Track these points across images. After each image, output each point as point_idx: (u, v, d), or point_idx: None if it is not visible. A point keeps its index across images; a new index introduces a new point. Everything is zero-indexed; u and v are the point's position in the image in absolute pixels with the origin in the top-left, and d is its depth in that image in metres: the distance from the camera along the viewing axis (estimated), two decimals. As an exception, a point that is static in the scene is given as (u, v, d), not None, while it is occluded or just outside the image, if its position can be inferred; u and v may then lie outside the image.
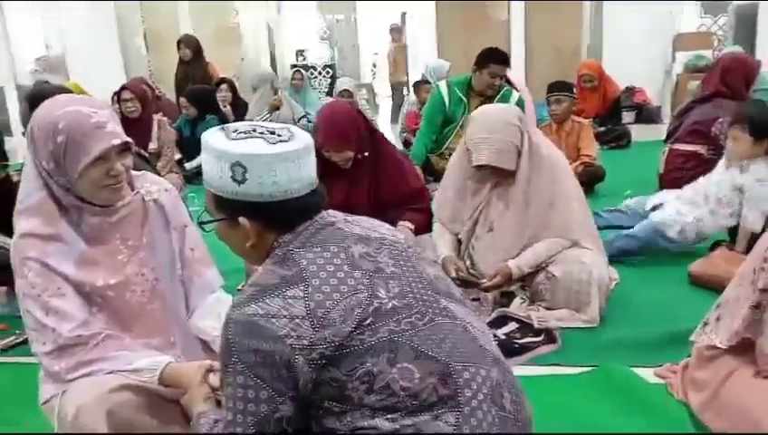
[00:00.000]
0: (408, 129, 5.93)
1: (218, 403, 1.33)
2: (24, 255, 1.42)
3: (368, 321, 1.09)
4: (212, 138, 1.18)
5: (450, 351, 1.13)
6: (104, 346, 1.44)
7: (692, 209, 2.91)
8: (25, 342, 2.45)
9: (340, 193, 2.48)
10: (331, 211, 1.25)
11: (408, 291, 1.16)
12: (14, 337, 2.52)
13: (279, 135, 1.17)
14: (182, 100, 5.61)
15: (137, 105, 4.71)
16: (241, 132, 1.17)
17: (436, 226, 2.60)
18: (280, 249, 1.17)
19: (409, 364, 1.09)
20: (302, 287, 1.09)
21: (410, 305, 1.14)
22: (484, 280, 2.34)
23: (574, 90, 4.35)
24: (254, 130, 1.18)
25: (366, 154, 2.52)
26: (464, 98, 4.22)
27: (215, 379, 1.38)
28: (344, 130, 2.44)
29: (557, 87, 4.20)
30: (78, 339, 1.42)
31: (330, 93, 8.48)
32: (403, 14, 9.55)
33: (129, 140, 1.46)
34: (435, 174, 4.49)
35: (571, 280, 2.28)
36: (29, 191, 1.47)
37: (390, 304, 1.12)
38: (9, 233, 2.65)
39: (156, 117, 4.92)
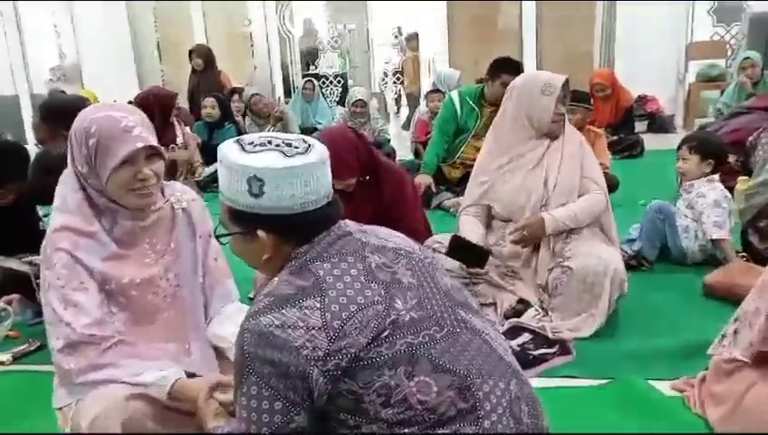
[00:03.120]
0: (418, 139, 5.92)
1: (232, 415, 1.30)
2: (56, 245, 1.46)
3: (385, 333, 1.08)
4: (228, 150, 1.16)
5: (469, 363, 1.11)
6: (116, 351, 1.45)
7: None
8: (37, 350, 2.49)
9: (346, 213, 2.45)
10: (347, 221, 1.24)
11: (426, 302, 1.15)
12: (26, 345, 2.52)
13: (296, 147, 1.16)
14: (209, 100, 5.66)
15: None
16: (257, 145, 1.16)
17: (462, 218, 2.59)
18: (296, 260, 1.16)
19: (427, 377, 1.07)
20: (318, 298, 1.08)
21: (428, 317, 1.13)
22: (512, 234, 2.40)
23: (591, 100, 4.29)
24: (270, 143, 1.17)
25: (368, 177, 2.47)
26: (476, 108, 4.22)
27: (221, 395, 1.37)
28: (347, 162, 2.37)
29: (574, 97, 4.13)
30: (91, 338, 1.43)
31: (341, 102, 8.49)
32: (398, 28, 9.63)
33: (155, 144, 1.50)
34: (447, 183, 4.50)
35: (587, 272, 2.27)
36: (67, 193, 1.52)
37: (408, 316, 1.11)
38: (30, 248, 2.72)
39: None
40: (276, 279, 1.17)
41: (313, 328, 1.05)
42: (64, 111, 2.65)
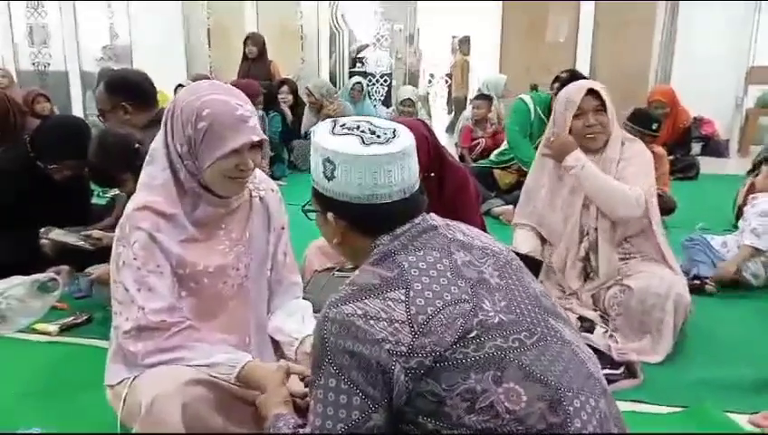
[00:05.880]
0: (463, 144, 5.82)
1: (296, 408, 1.27)
2: (137, 224, 1.41)
3: (473, 334, 1.01)
4: (319, 128, 1.16)
5: (560, 375, 1.03)
6: (184, 336, 1.40)
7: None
8: (83, 323, 2.47)
9: None
10: (432, 214, 1.18)
11: (516, 306, 1.07)
12: (72, 317, 2.49)
13: (378, 136, 1.11)
14: None
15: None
16: (345, 127, 1.13)
17: (518, 230, 2.53)
18: (378, 250, 1.11)
19: (516, 385, 0.99)
20: (403, 290, 1.02)
21: (518, 322, 1.05)
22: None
23: (655, 126, 4.05)
24: (358, 128, 1.13)
25: (432, 174, 2.40)
26: (544, 118, 4.14)
27: (293, 383, 1.33)
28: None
29: (639, 120, 3.95)
30: (160, 324, 1.38)
31: (386, 103, 8.42)
32: (412, 35, 9.70)
33: (265, 138, 1.47)
34: (497, 190, 4.39)
35: (648, 293, 2.15)
36: (154, 170, 1.47)
37: (497, 319, 1.04)
38: (77, 222, 2.69)
39: None
40: (359, 269, 1.12)
41: (397, 321, 1.00)
42: (129, 84, 2.62)
